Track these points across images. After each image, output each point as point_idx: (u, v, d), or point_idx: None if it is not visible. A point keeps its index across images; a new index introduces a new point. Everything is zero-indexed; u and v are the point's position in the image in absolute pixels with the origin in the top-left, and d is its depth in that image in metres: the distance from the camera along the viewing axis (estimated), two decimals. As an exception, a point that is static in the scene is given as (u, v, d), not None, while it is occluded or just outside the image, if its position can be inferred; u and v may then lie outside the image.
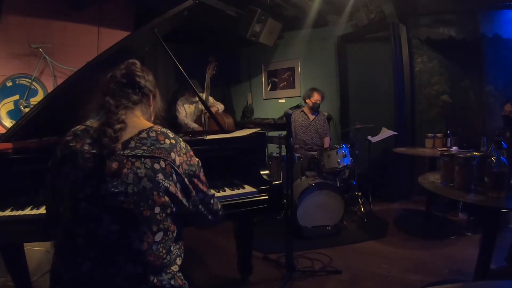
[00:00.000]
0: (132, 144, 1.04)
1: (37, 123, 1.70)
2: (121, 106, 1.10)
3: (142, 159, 1.01)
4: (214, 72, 4.20)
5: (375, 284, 2.34)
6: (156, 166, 1.02)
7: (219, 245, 2.96)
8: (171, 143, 1.09)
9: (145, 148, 1.03)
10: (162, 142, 1.07)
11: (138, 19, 4.02)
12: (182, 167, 1.09)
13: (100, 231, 0.96)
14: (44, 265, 2.38)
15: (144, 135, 1.07)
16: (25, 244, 1.85)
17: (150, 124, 1.13)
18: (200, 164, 1.19)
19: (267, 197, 1.84)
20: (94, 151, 1.00)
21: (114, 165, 0.97)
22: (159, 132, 1.09)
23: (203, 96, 4.14)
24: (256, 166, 1.99)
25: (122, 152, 1.00)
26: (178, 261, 1.08)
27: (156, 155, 1.03)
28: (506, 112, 3.37)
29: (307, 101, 4.06)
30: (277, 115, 5.12)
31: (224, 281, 2.45)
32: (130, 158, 1.01)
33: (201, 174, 1.18)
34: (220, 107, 4.32)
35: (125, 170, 0.99)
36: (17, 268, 1.81)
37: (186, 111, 4.28)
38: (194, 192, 1.14)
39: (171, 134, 1.12)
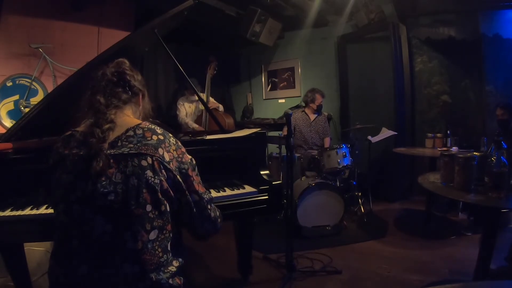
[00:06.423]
0: (119, 143, 1.03)
1: (37, 123, 1.70)
2: (111, 105, 1.09)
3: (129, 157, 1.00)
4: (214, 72, 4.20)
5: (375, 284, 2.34)
6: (144, 163, 1.00)
7: (219, 245, 2.96)
8: (158, 139, 1.06)
9: (131, 146, 1.02)
10: (149, 138, 1.05)
11: (138, 19, 4.02)
12: (172, 164, 1.06)
13: (94, 233, 0.96)
14: (44, 265, 2.38)
15: (130, 133, 1.05)
16: (25, 244, 1.84)
17: (138, 121, 1.12)
18: (194, 162, 1.16)
19: (267, 197, 1.84)
20: (81, 153, 1.00)
21: (100, 165, 0.96)
22: (146, 128, 1.08)
23: (204, 96, 4.14)
24: (256, 166, 1.99)
25: (108, 152, 1.00)
26: (175, 263, 1.07)
27: (143, 151, 1.01)
28: (499, 117, 3.38)
29: (311, 105, 4.06)
30: (277, 115, 5.12)
31: (224, 281, 2.45)
32: (116, 157, 1.00)
33: (195, 173, 1.15)
34: (220, 108, 4.31)
35: (112, 170, 0.98)
36: (17, 268, 1.81)
37: (186, 110, 4.28)
38: (187, 191, 1.10)
39: (159, 130, 1.10)
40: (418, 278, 2.35)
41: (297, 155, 3.75)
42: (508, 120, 3.32)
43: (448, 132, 3.51)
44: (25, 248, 1.83)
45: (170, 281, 1.03)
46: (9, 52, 3.42)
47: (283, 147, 2.99)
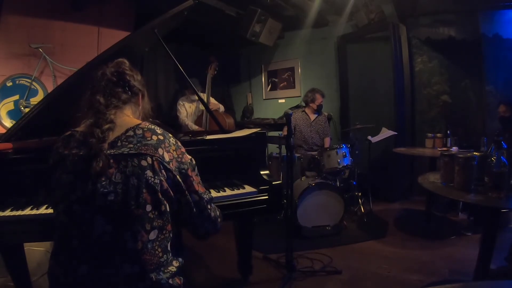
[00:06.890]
0: (119, 143, 1.03)
1: (37, 123, 1.70)
2: (111, 105, 1.09)
3: (129, 158, 1.00)
4: (215, 73, 4.20)
5: (375, 284, 2.34)
6: (143, 163, 1.00)
7: (219, 245, 2.96)
8: (158, 139, 1.07)
9: (131, 146, 1.02)
10: (149, 138, 1.05)
11: (138, 19, 4.02)
12: (172, 164, 1.06)
13: (94, 233, 0.96)
14: (44, 265, 2.38)
15: (130, 133, 1.06)
16: (25, 244, 1.84)
17: (138, 121, 1.12)
18: (194, 162, 1.16)
19: (267, 197, 1.84)
20: (81, 153, 1.00)
21: (100, 165, 0.96)
22: (145, 129, 1.08)
23: (204, 96, 4.14)
24: (256, 166, 1.99)
25: (108, 152, 1.00)
26: (175, 263, 1.07)
27: (143, 151, 1.01)
28: (500, 113, 3.38)
29: (311, 105, 4.06)
30: (277, 115, 5.12)
31: (224, 281, 2.45)
32: (116, 157, 1.00)
33: (195, 173, 1.15)
34: (220, 108, 4.31)
35: (112, 170, 0.98)
36: (17, 268, 1.81)
37: (187, 110, 4.28)
38: (187, 192, 1.10)
39: (159, 131, 1.10)
40: (418, 278, 2.35)
41: (297, 155, 3.75)
42: (510, 118, 3.32)
43: (448, 132, 3.51)
44: (25, 248, 1.83)
45: (170, 281, 1.03)
46: (9, 52, 3.42)
47: (283, 147, 2.99)
